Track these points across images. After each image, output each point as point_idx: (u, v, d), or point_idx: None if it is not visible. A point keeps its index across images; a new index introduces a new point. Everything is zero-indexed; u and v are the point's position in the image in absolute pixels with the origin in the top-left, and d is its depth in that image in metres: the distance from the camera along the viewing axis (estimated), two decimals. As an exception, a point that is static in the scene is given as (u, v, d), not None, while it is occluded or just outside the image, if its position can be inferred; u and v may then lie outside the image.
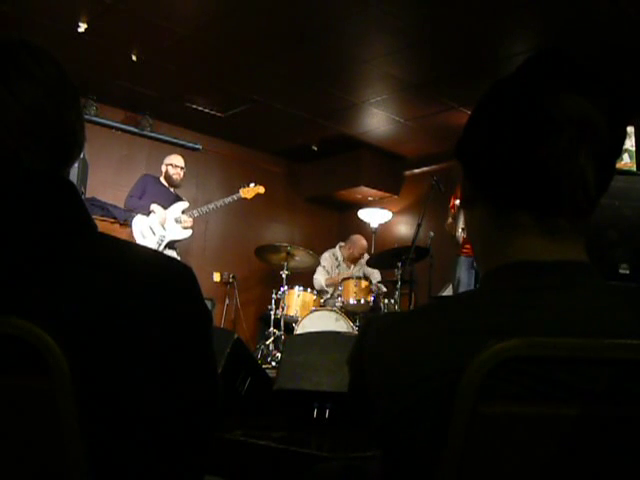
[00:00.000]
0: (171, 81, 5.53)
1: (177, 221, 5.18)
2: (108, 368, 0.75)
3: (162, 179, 5.37)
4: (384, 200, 7.55)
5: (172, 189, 5.37)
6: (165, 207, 5.17)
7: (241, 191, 5.48)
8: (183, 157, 5.47)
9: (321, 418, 2.22)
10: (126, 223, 5.39)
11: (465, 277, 4.63)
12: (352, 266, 6.14)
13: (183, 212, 5.25)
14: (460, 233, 4.47)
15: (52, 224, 0.80)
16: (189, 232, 5.24)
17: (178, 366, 0.83)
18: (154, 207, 5.10)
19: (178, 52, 4.92)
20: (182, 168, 5.36)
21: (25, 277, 0.76)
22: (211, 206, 5.35)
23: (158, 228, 5.09)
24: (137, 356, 0.77)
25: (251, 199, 5.57)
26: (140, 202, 5.15)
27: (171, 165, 5.33)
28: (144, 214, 5.10)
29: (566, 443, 0.64)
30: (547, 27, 4.23)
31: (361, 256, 6.13)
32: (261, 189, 5.57)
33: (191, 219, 5.22)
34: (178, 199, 5.34)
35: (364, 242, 6.15)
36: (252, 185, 5.52)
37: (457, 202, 4.57)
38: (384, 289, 5.62)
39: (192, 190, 6.64)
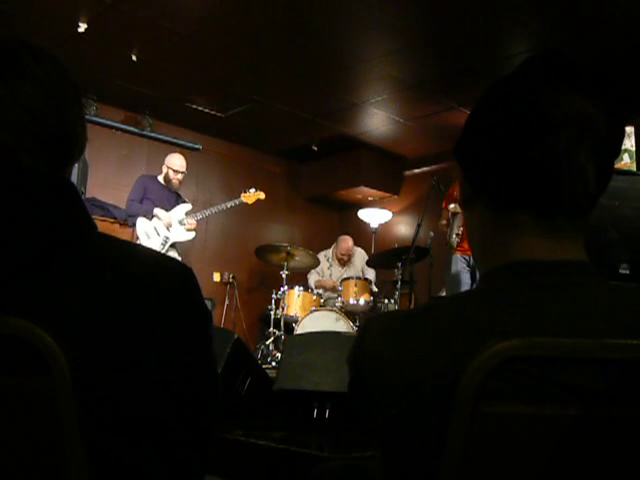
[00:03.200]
0: (171, 81, 5.52)
1: (181, 223, 5.19)
2: (108, 368, 0.75)
3: (161, 179, 5.28)
4: (384, 200, 7.55)
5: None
6: (167, 209, 5.15)
7: (242, 196, 5.52)
8: (185, 157, 5.38)
9: (321, 418, 2.22)
10: (126, 223, 5.39)
11: (460, 275, 4.64)
12: (342, 267, 6.12)
13: (187, 214, 5.25)
14: (454, 239, 4.46)
15: (52, 225, 0.80)
16: (192, 234, 5.26)
17: (178, 366, 0.83)
18: (158, 212, 5.07)
19: (178, 52, 4.91)
20: (183, 173, 5.27)
21: (25, 277, 0.76)
22: (214, 209, 5.37)
23: (163, 229, 5.10)
24: (137, 356, 0.77)
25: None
26: (142, 207, 5.11)
27: (172, 170, 5.21)
28: (148, 218, 5.09)
29: (566, 443, 0.64)
30: (547, 27, 4.23)
31: (346, 257, 6.11)
32: (262, 195, 5.59)
33: (194, 222, 5.23)
34: (179, 200, 5.31)
35: (348, 243, 6.11)
36: (253, 190, 5.56)
37: (451, 206, 4.56)
38: (375, 289, 5.60)
39: (192, 190, 6.63)
